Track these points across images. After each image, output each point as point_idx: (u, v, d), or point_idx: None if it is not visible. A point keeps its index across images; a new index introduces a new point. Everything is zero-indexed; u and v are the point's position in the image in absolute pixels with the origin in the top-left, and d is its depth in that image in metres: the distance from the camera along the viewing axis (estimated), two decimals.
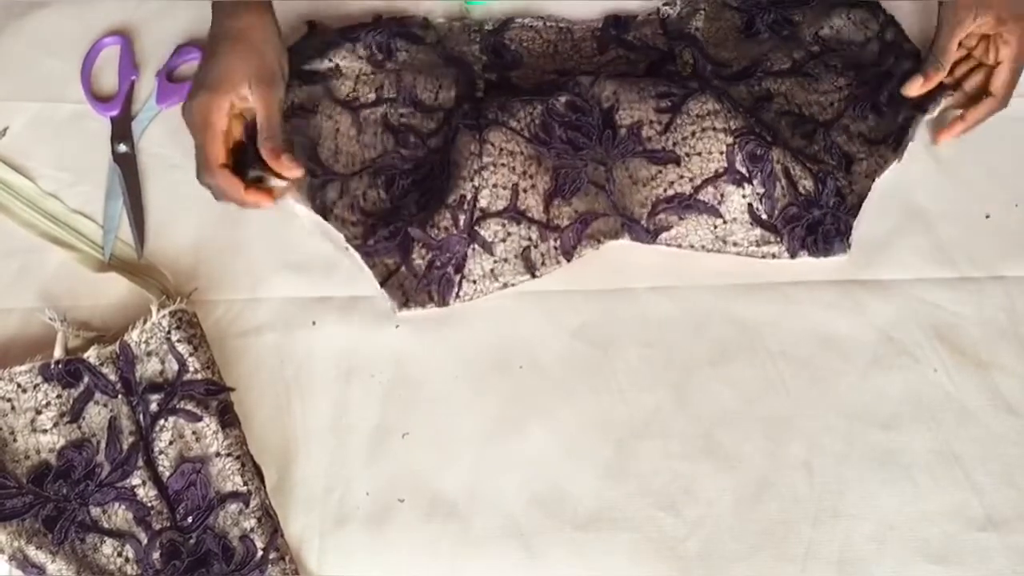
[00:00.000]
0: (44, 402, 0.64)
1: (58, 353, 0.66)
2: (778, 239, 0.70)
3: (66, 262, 0.72)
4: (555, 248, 0.70)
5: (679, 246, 0.70)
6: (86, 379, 0.65)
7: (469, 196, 0.68)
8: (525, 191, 0.69)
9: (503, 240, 0.69)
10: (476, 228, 0.68)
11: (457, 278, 0.69)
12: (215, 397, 0.64)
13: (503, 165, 0.69)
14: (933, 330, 0.68)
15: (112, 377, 0.65)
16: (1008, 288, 0.69)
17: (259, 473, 0.64)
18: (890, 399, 0.66)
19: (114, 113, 0.77)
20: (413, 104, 0.75)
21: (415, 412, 0.66)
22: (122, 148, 0.76)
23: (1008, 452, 0.64)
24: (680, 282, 0.70)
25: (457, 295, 0.69)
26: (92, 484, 0.62)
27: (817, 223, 0.70)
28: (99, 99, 0.78)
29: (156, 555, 0.61)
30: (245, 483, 0.62)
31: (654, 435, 0.65)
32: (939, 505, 0.63)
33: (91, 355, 0.65)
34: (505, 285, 0.69)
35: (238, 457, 0.63)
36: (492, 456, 0.65)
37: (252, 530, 0.61)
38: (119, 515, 0.62)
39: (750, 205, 0.69)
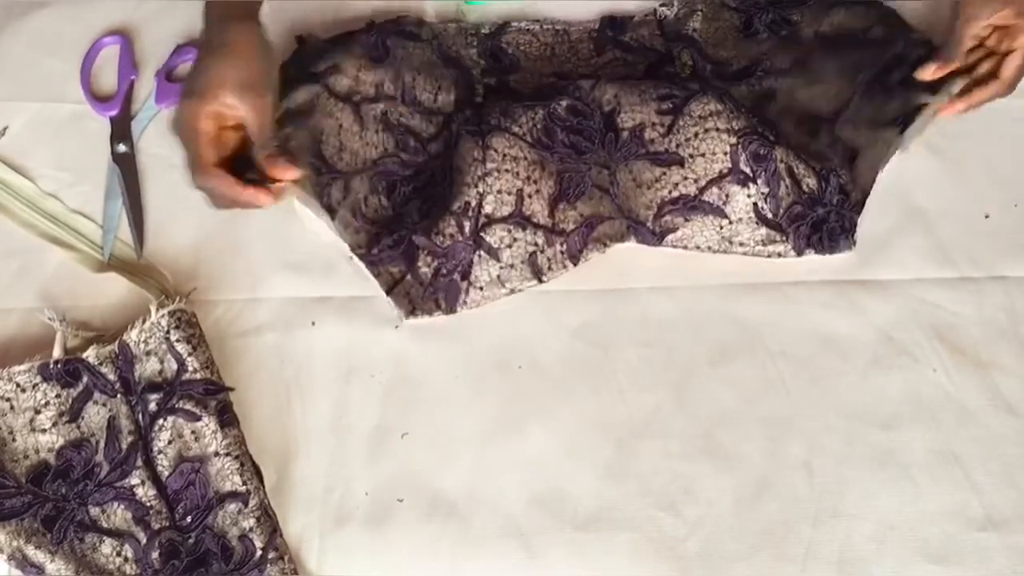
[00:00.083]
0: (43, 402, 0.64)
1: (57, 353, 0.66)
2: (784, 238, 0.70)
3: (65, 262, 0.72)
4: (561, 253, 0.69)
5: (685, 247, 0.70)
6: (85, 379, 0.65)
7: (474, 203, 0.68)
8: (530, 196, 0.69)
9: (509, 246, 0.68)
10: (482, 235, 0.68)
11: (464, 285, 0.68)
12: (214, 397, 0.64)
13: (507, 171, 0.69)
14: (933, 330, 0.68)
15: (111, 377, 0.65)
16: (1008, 288, 0.69)
17: (258, 473, 0.64)
18: (890, 399, 0.66)
19: (113, 113, 0.77)
20: (412, 104, 0.75)
21: (415, 412, 0.66)
22: (121, 148, 0.76)
23: (1008, 452, 0.64)
24: (680, 282, 0.70)
25: (464, 302, 0.69)
26: (91, 484, 0.62)
27: (822, 221, 0.70)
28: (99, 99, 0.78)
29: (155, 555, 0.61)
30: (244, 483, 0.62)
31: (654, 435, 0.65)
32: (939, 505, 0.63)
33: (90, 355, 0.65)
34: (512, 291, 0.69)
35: (237, 457, 0.63)
36: (492, 456, 0.65)
37: (251, 530, 0.61)
38: (118, 515, 0.62)
39: (755, 205, 0.69)
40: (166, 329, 0.65)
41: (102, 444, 0.63)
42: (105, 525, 0.62)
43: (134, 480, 0.62)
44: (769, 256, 0.70)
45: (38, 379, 0.65)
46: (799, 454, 0.64)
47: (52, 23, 0.82)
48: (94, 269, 0.71)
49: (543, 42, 0.79)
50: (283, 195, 0.68)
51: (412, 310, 0.68)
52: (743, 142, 0.69)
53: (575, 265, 0.69)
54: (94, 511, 0.62)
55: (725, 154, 0.69)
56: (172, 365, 0.65)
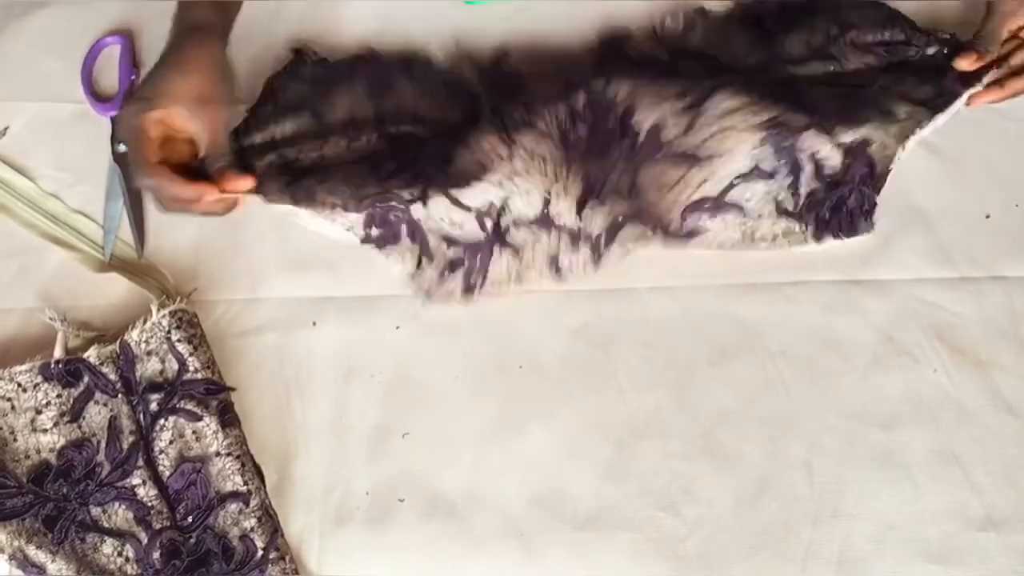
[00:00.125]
0: (44, 402, 0.64)
1: (58, 353, 0.66)
2: (803, 227, 0.70)
3: (66, 262, 0.72)
4: (585, 257, 0.69)
5: (708, 247, 0.70)
6: (86, 379, 0.65)
7: (498, 203, 0.68)
8: (557, 196, 0.68)
9: (532, 246, 0.68)
10: (505, 235, 0.68)
11: (480, 279, 0.68)
12: (215, 397, 0.64)
13: (535, 171, 0.68)
14: (933, 330, 0.68)
15: (112, 377, 0.65)
16: (1008, 288, 0.69)
17: (259, 473, 0.64)
18: (890, 399, 0.66)
19: (114, 113, 0.77)
20: (414, 120, 0.73)
21: (415, 412, 0.66)
22: (122, 148, 0.76)
23: (1008, 452, 0.64)
24: (680, 282, 0.70)
25: (480, 293, 0.69)
26: (92, 484, 0.62)
27: (841, 202, 0.70)
28: (99, 99, 0.78)
29: (156, 555, 0.61)
30: (245, 483, 0.63)
31: (654, 435, 0.65)
32: (939, 505, 0.63)
33: (91, 355, 0.65)
34: (529, 286, 0.69)
35: (238, 457, 0.63)
36: (492, 456, 0.65)
37: (252, 530, 0.62)
38: (119, 515, 0.62)
39: (776, 199, 0.69)
40: (167, 329, 0.65)
41: (103, 444, 0.63)
42: (106, 525, 0.62)
43: (135, 480, 0.62)
44: (790, 246, 0.70)
45: (39, 379, 0.65)
46: (799, 454, 0.64)
47: (52, 23, 0.82)
48: (95, 269, 0.71)
49: (543, 62, 0.78)
50: (237, 204, 0.67)
51: (428, 293, 0.68)
52: (765, 138, 0.68)
53: (596, 270, 0.69)
54: (95, 511, 0.62)
55: (748, 152, 0.68)
56: (173, 365, 0.65)
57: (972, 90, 0.72)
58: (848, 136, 0.70)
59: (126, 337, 0.66)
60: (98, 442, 0.64)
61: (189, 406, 0.64)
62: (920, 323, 0.68)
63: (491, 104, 0.76)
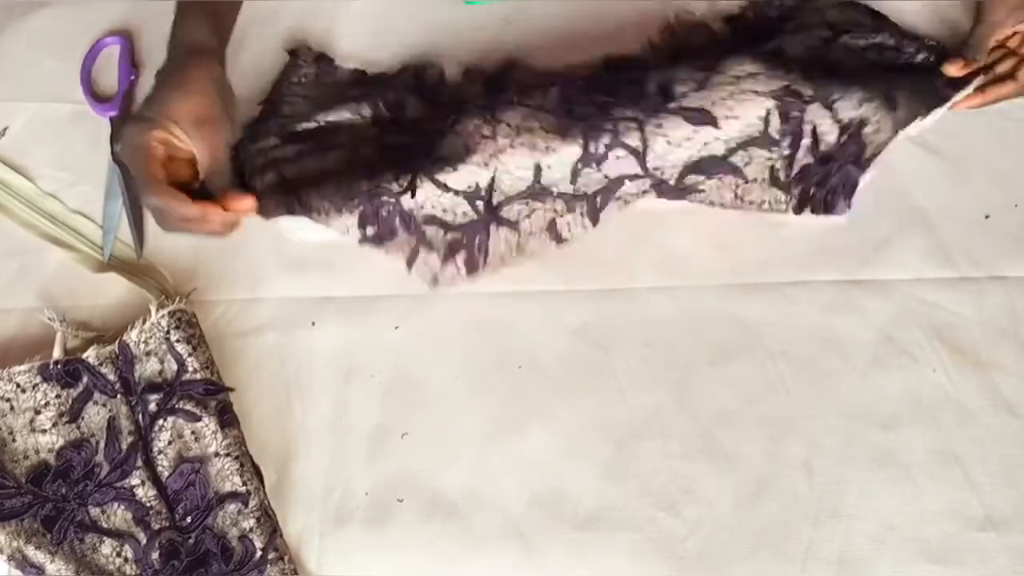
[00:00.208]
0: (43, 402, 0.64)
1: (57, 353, 0.66)
2: (788, 197, 0.70)
3: (65, 262, 0.72)
4: (581, 215, 0.69)
5: (701, 203, 0.70)
6: (85, 379, 0.65)
7: (484, 183, 0.67)
8: (549, 167, 0.68)
9: (528, 216, 0.68)
10: (498, 211, 0.68)
11: (481, 257, 0.69)
12: (214, 397, 0.64)
13: (521, 144, 0.67)
14: (933, 330, 0.68)
15: (111, 377, 0.65)
16: (1008, 288, 0.69)
17: (258, 473, 0.64)
18: (890, 399, 0.66)
19: (114, 113, 0.78)
20: (415, 134, 0.73)
21: (415, 412, 0.66)
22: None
23: (1008, 452, 0.64)
24: (680, 282, 0.70)
25: (484, 268, 0.69)
26: (91, 484, 0.62)
27: (826, 178, 0.70)
28: (99, 99, 0.79)
29: (155, 555, 0.61)
30: (244, 483, 0.62)
31: (654, 435, 0.65)
32: (939, 505, 0.62)
33: (90, 355, 0.65)
34: (532, 254, 0.69)
35: (237, 457, 0.63)
36: (492, 456, 0.65)
37: (251, 530, 0.61)
38: (118, 515, 0.62)
39: (772, 167, 0.69)
40: (166, 329, 0.65)
41: (102, 444, 0.63)
42: (105, 525, 0.62)
43: (134, 480, 0.62)
44: (770, 211, 0.70)
45: (38, 379, 0.65)
46: (799, 454, 0.64)
47: (52, 23, 0.82)
48: (94, 269, 0.71)
49: (545, 72, 0.78)
50: (237, 224, 0.67)
51: (434, 280, 0.68)
52: (778, 104, 0.68)
53: (595, 225, 0.69)
54: (94, 511, 0.62)
55: (759, 118, 0.68)
56: (172, 365, 0.65)
57: (959, 95, 0.72)
58: (848, 113, 0.70)
59: (125, 337, 0.66)
60: (97, 442, 0.64)
61: (188, 406, 0.64)
62: (920, 323, 0.68)
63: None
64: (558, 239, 0.69)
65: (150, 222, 0.73)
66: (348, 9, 0.82)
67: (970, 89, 0.73)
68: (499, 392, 0.67)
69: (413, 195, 0.67)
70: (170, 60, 0.68)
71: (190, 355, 0.65)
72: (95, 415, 0.64)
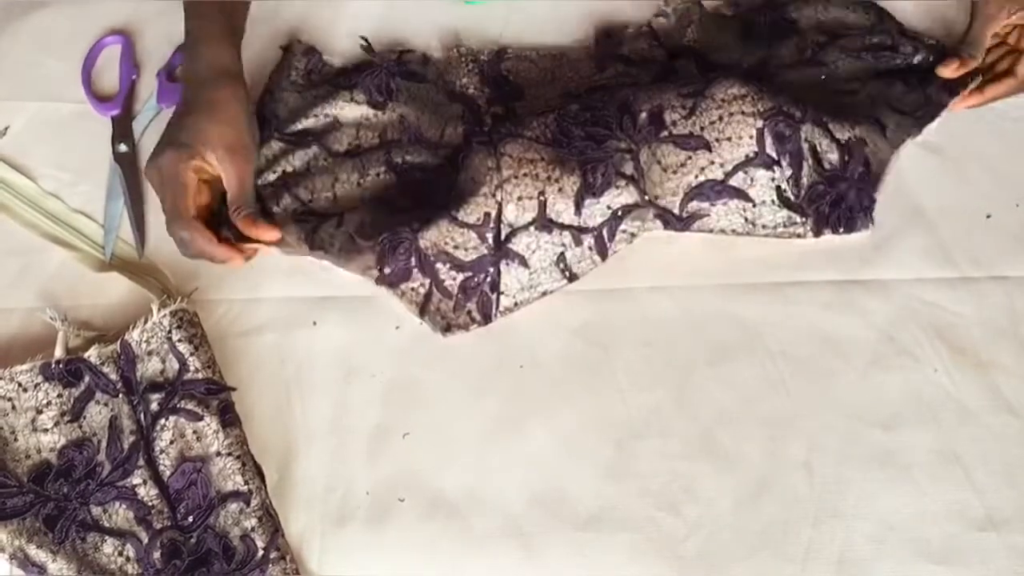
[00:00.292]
0: (45, 401, 0.64)
1: (59, 352, 0.66)
2: (804, 219, 0.69)
3: (67, 262, 0.72)
4: (589, 249, 0.69)
5: (710, 231, 0.70)
6: (87, 378, 0.65)
7: (493, 213, 0.67)
8: (553, 197, 0.68)
9: (535, 251, 0.68)
10: (507, 245, 0.68)
11: (495, 296, 0.68)
12: (216, 396, 0.64)
13: (525, 175, 0.68)
14: (933, 330, 0.68)
15: (113, 376, 0.65)
16: (1008, 288, 0.69)
17: (260, 473, 0.64)
18: (890, 399, 0.66)
19: (115, 113, 0.78)
20: (418, 143, 0.74)
21: (415, 412, 0.66)
22: (123, 148, 0.76)
23: (1008, 452, 0.64)
24: (680, 282, 0.70)
25: (498, 312, 0.68)
26: (93, 483, 0.62)
27: (840, 198, 0.70)
28: (100, 99, 0.79)
29: (157, 554, 0.61)
30: (246, 482, 0.63)
31: (654, 435, 0.65)
32: (939, 505, 0.63)
33: (92, 354, 0.65)
34: (544, 293, 0.69)
35: (239, 457, 0.63)
36: (492, 456, 0.65)
37: (253, 529, 0.62)
38: (120, 514, 0.62)
39: (778, 187, 0.69)
40: (168, 329, 0.65)
41: (104, 444, 0.63)
42: (107, 525, 0.62)
43: (136, 480, 0.62)
44: (789, 237, 0.70)
45: (40, 379, 0.65)
46: (799, 454, 0.64)
47: (53, 23, 0.82)
48: (96, 269, 0.71)
49: (542, 68, 0.79)
50: (254, 255, 0.68)
51: (447, 327, 0.68)
52: (769, 124, 0.68)
53: (604, 260, 0.69)
54: (96, 511, 0.62)
55: (751, 137, 0.68)
56: (174, 365, 0.65)
57: (956, 100, 0.72)
58: (843, 133, 0.70)
59: (127, 337, 0.66)
60: (99, 442, 0.64)
61: (190, 406, 0.64)
62: (920, 323, 0.68)
63: (491, 112, 0.76)
64: (569, 274, 0.69)
65: (151, 221, 0.73)
66: (348, 9, 0.82)
67: (971, 88, 0.73)
68: (499, 392, 0.67)
69: (427, 232, 0.67)
70: (196, 82, 0.69)
71: (192, 354, 0.65)
72: (97, 414, 0.64)
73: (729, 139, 0.69)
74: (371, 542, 0.63)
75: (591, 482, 0.64)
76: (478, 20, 0.81)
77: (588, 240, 0.69)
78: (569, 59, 0.79)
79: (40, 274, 0.71)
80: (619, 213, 0.69)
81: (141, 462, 0.63)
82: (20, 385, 0.65)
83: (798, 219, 0.70)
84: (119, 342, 0.66)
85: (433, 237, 0.67)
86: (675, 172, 0.69)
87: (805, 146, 0.69)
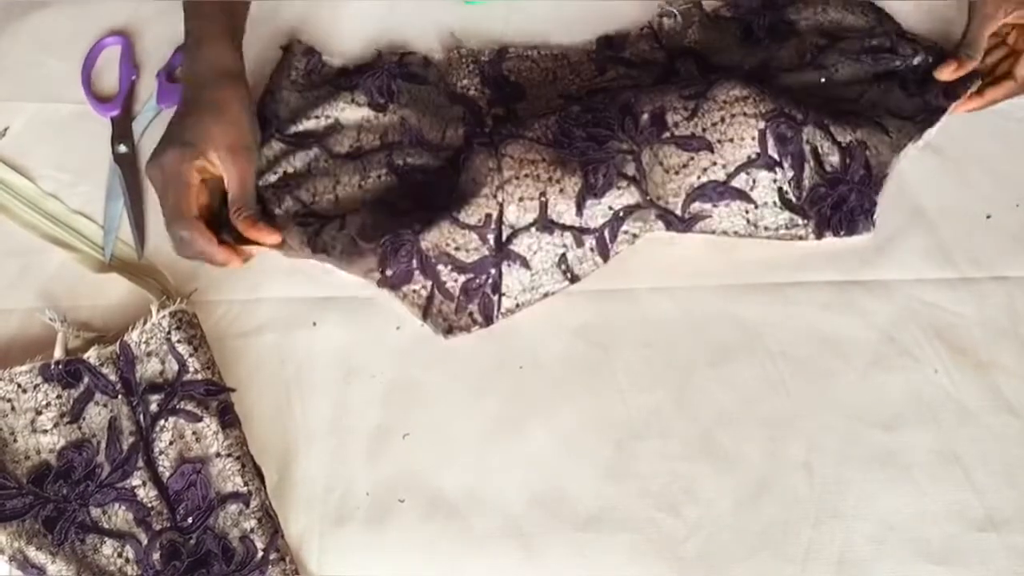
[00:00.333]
0: (44, 402, 0.64)
1: (58, 353, 0.66)
2: (805, 221, 0.69)
3: (66, 263, 0.72)
4: (591, 250, 0.69)
5: (712, 232, 0.70)
6: (86, 379, 0.65)
7: (495, 214, 0.67)
8: (554, 198, 0.68)
9: (537, 252, 0.68)
10: (508, 246, 0.68)
11: (496, 298, 0.68)
12: (215, 397, 0.64)
13: (526, 176, 0.68)
14: (933, 330, 0.68)
15: (112, 377, 0.65)
16: (1008, 288, 0.69)
17: (259, 473, 0.64)
18: (890, 399, 0.66)
19: (114, 113, 0.78)
20: (419, 145, 0.73)
21: (415, 412, 0.66)
22: (122, 148, 0.76)
23: (1009, 452, 0.64)
24: (680, 282, 0.70)
25: (499, 313, 0.68)
26: (92, 485, 0.62)
27: (842, 200, 0.70)
28: (99, 99, 0.79)
29: (156, 556, 0.61)
30: (245, 483, 0.63)
31: (654, 435, 0.65)
32: (939, 505, 0.62)
33: (91, 355, 0.65)
34: (546, 294, 0.69)
35: (238, 458, 0.63)
36: (492, 456, 0.65)
37: (252, 530, 0.62)
38: (119, 516, 0.62)
39: (780, 189, 0.69)
40: (167, 330, 0.65)
41: (103, 445, 0.63)
42: (106, 526, 0.62)
43: (135, 481, 0.62)
44: (791, 239, 0.69)
45: (39, 380, 0.65)
46: (799, 454, 0.64)
47: (53, 23, 0.82)
48: (95, 270, 0.71)
49: (543, 68, 0.79)
50: (253, 257, 0.68)
51: (449, 329, 0.68)
52: (771, 126, 0.68)
53: (605, 261, 0.69)
54: (95, 512, 0.62)
55: (753, 139, 0.68)
56: (173, 366, 0.65)
57: (956, 104, 0.72)
58: (844, 136, 0.70)
59: (126, 338, 0.66)
60: (98, 443, 0.64)
61: (189, 407, 0.64)
62: (921, 323, 0.68)
63: (492, 113, 0.76)
64: (571, 276, 0.69)
65: (151, 222, 0.73)
66: (348, 9, 0.82)
67: (972, 90, 0.72)
68: (499, 392, 0.67)
69: (428, 233, 0.67)
70: (199, 83, 0.69)
71: (191, 355, 0.65)
72: (96, 415, 0.64)
73: (731, 140, 0.69)
74: (371, 543, 0.63)
75: (591, 482, 0.64)
76: (479, 20, 0.81)
77: (590, 241, 0.69)
78: (570, 61, 0.79)
79: (39, 275, 0.71)
80: (621, 214, 0.68)
81: (140, 463, 0.63)
82: (19, 386, 0.65)
83: (800, 221, 0.69)
84: (118, 343, 0.65)
85: (434, 238, 0.67)
86: (677, 173, 0.69)
87: (807, 148, 0.69)
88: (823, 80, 0.75)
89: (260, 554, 0.61)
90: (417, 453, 0.65)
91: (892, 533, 0.62)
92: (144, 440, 0.63)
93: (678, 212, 0.70)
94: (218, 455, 0.63)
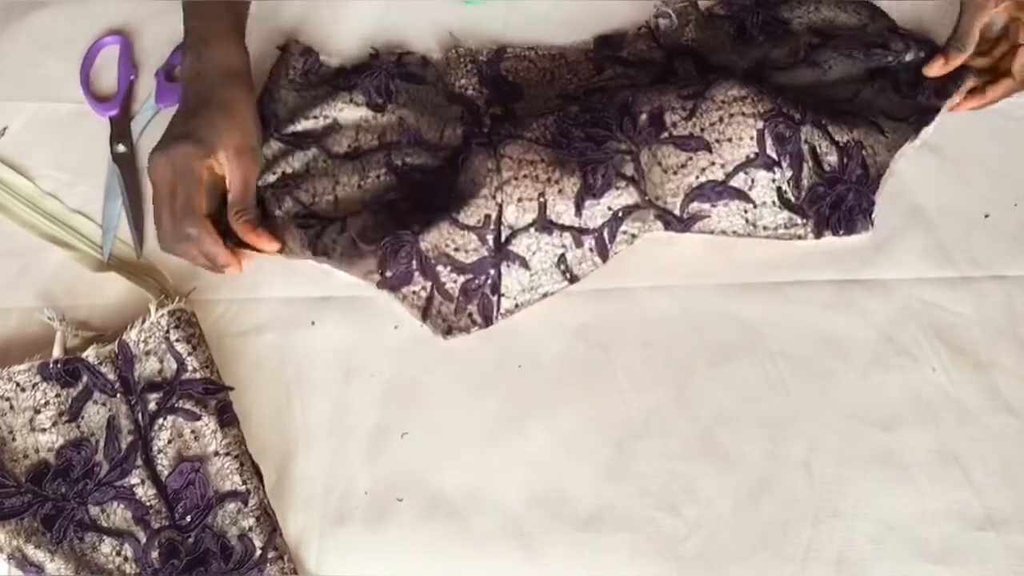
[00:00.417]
0: (43, 401, 0.64)
1: (57, 352, 0.66)
2: (804, 221, 0.69)
3: (65, 262, 0.72)
4: (590, 250, 0.69)
5: (711, 232, 0.70)
6: (85, 378, 0.65)
7: (493, 215, 0.67)
8: (553, 198, 0.68)
9: (536, 252, 0.68)
10: (507, 246, 0.68)
11: (495, 299, 0.68)
12: (214, 396, 0.64)
13: (525, 176, 0.68)
14: (933, 330, 0.68)
15: (111, 376, 0.65)
16: (1008, 288, 0.69)
17: (257, 472, 0.64)
18: (890, 399, 0.66)
19: (113, 113, 0.77)
20: (418, 144, 0.73)
21: (414, 412, 0.66)
22: (121, 148, 0.76)
23: (1007, 452, 0.64)
24: (680, 282, 0.70)
25: (499, 314, 0.68)
26: (91, 483, 0.62)
27: (840, 199, 0.70)
28: (98, 99, 0.78)
29: (155, 554, 0.61)
30: (244, 482, 0.62)
31: (654, 435, 0.65)
32: (938, 505, 0.63)
33: (90, 354, 0.65)
34: (545, 295, 0.69)
35: (237, 456, 0.63)
36: (492, 456, 0.65)
37: (251, 529, 0.61)
38: (118, 514, 0.62)
39: (779, 188, 0.69)
40: (166, 329, 0.65)
41: (102, 443, 0.63)
42: (105, 524, 0.62)
43: (134, 479, 0.62)
44: (790, 239, 0.70)
45: (38, 379, 0.65)
46: (799, 454, 0.64)
47: (52, 23, 0.82)
48: (94, 269, 0.71)
49: (541, 68, 0.79)
50: (251, 259, 0.68)
51: (448, 329, 0.68)
52: (769, 125, 0.68)
53: (604, 261, 0.69)
54: (94, 510, 0.62)
55: (752, 139, 0.68)
56: (172, 365, 0.65)
57: (950, 101, 0.72)
58: (842, 135, 0.70)
59: (125, 337, 0.65)
60: (97, 441, 0.63)
61: (188, 406, 0.64)
62: (920, 323, 0.68)
63: (490, 112, 0.76)
64: (570, 276, 0.69)
65: (150, 222, 0.73)
66: (347, 9, 0.82)
67: (964, 89, 0.72)
68: (499, 392, 0.67)
69: (428, 233, 0.67)
70: (206, 81, 0.68)
71: (190, 354, 0.65)
72: (95, 414, 0.64)
73: (729, 140, 0.69)
74: (370, 542, 0.62)
75: (591, 482, 0.64)
76: (478, 20, 0.81)
77: (589, 241, 0.69)
78: (567, 60, 0.79)
79: (38, 274, 0.71)
80: (620, 214, 0.69)
81: (139, 462, 0.63)
82: (18, 385, 0.64)
83: (799, 220, 0.70)
84: (117, 342, 0.65)
85: (434, 239, 0.67)
86: (676, 173, 0.70)
87: (805, 147, 0.69)
88: (817, 78, 0.75)
89: (258, 552, 0.61)
90: (416, 453, 0.65)
91: (891, 533, 0.62)
92: (143, 439, 0.63)
93: (677, 212, 0.70)
94: (216, 454, 0.63)
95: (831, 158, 0.70)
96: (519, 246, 0.68)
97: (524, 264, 0.68)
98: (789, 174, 0.69)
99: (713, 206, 0.69)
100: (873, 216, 0.70)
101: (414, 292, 0.68)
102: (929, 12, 0.79)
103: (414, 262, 0.67)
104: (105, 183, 0.75)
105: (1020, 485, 0.63)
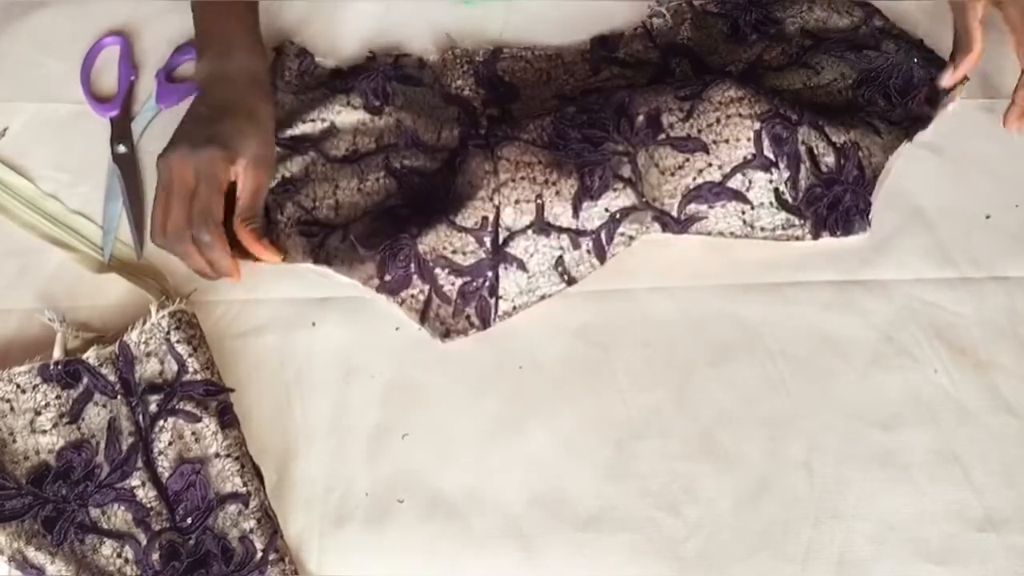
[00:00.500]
0: (43, 403, 0.64)
1: (57, 354, 0.66)
2: (802, 222, 0.69)
3: (65, 263, 0.72)
4: (588, 252, 0.69)
5: (708, 234, 0.70)
6: (85, 380, 0.65)
7: (491, 217, 0.67)
8: (550, 200, 0.68)
9: (534, 254, 0.68)
10: (505, 248, 0.68)
11: (493, 301, 0.68)
12: (214, 398, 0.64)
13: (522, 179, 0.68)
14: (933, 330, 0.68)
15: (111, 378, 0.65)
16: (1008, 288, 0.69)
17: (258, 474, 0.64)
18: (890, 399, 0.66)
19: (114, 113, 0.77)
20: (416, 146, 0.73)
21: (415, 412, 0.66)
22: (122, 148, 0.76)
23: (1008, 452, 0.64)
24: (680, 282, 0.70)
25: (496, 316, 0.68)
26: (91, 485, 0.62)
27: (838, 200, 0.70)
28: (99, 99, 0.78)
29: (155, 556, 0.61)
30: (244, 484, 0.62)
31: (654, 435, 0.65)
32: (939, 505, 0.63)
33: (90, 356, 0.65)
34: (543, 297, 0.69)
35: (237, 458, 0.63)
36: (492, 456, 0.65)
37: (251, 531, 0.61)
38: (118, 516, 0.62)
39: (776, 190, 0.69)
40: (166, 330, 0.65)
41: (102, 445, 0.63)
42: (105, 526, 0.62)
43: (134, 481, 0.62)
44: (788, 240, 0.70)
45: (38, 380, 0.65)
46: (799, 454, 0.64)
47: (52, 23, 0.82)
48: (94, 270, 0.71)
49: (537, 68, 0.79)
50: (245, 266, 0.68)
51: (446, 332, 0.68)
52: (766, 126, 0.68)
53: (602, 263, 0.69)
54: (94, 512, 0.62)
55: (749, 140, 0.68)
56: (172, 366, 0.65)
57: (940, 111, 0.72)
58: (839, 136, 0.70)
59: (125, 338, 0.65)
60: (97, 443, 0.63)
61: (188, 407, 0.64)
62: (920, 323, 0.68)
63: (486, 113, 0.76)
64: (567, 278, 0.69)
65: (150, 223, 0.73)
66: (346, 10, 0.82)
67: (955, 99, 0.72)
68: (499, 392, 0.67)
69: (425, 236, 0.67)
70: (230, 85, 0.68)
71: (190, 356, 0.65)
72: (95, 416, 0.64)
73: (727, 141, 0.69)
74: (370, 543, 0.62)
75: (591, 482, 0.64)
76: (476, 21, 0.81)
77: (586, 243, 0.69)
78: (564, 61, 0.79)
79: (38, 275, 0.71)
80: (617, 216, 0.69)
81: (140, 464, 0.63)
82: (18, 386, 0.64)
83: (796, 221, 0.70)
84: (118, 343, 0.65)
85: (432, 242, 0.67)
86: (673, 174, 0.70)
87: (802, 148, 0.69)
88: (810, 80, 0.75)
89: (259, 554, 0.61)
90: (417, 453, 0.65)
91: (892, 533, 0.62)
92: (143, 440, 0.63)
93: (674, 213, 0.70)
94: (217, 455, 0.63)
95: (828, 159, 0.70)
96: (517, 248, 0.68)
97: (522, 266, 0.68)
98: (786, 175, 0.69)
99: (710, 207, 0.69)
100: (870, 217, 0.70)
101: (412, 295, 0.68)
102: (925, 12, 0.79)
103: (412, 265, 0.67)
104: (105, 184, 0.75)
105: (1020, 485, 0.63)
